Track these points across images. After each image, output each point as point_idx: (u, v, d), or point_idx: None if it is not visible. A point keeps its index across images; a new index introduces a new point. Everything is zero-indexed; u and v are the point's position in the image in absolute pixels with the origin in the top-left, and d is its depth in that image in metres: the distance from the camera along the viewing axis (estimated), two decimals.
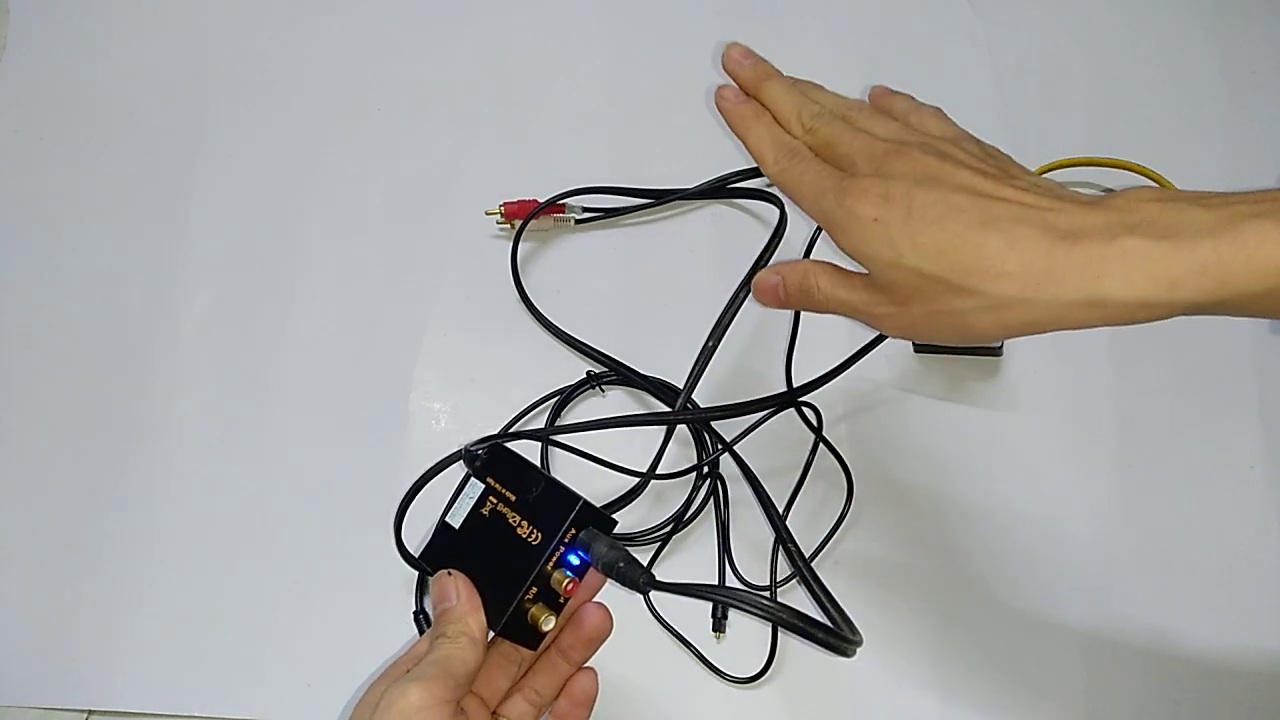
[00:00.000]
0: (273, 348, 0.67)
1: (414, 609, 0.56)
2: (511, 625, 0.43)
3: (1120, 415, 0.61)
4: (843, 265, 0.42)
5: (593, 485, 0.54)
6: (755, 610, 0.39)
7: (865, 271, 0.40)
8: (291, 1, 0.77)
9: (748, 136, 0.45)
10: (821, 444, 0.60)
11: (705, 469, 0.60)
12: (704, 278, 0.65)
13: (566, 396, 0.63)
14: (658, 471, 0.58)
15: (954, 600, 0.58)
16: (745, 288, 0.51)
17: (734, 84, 0.47)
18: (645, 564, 0.58)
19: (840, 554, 0.59)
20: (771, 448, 0.60)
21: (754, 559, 0.59)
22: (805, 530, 0.59)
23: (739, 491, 0.60)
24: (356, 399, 0.65)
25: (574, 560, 0.43)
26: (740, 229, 0.67)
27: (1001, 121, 0.68)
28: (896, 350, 0.62)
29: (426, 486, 0.45)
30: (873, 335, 0.51)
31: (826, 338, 0.55)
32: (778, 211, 0.57)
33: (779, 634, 0.57)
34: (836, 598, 0.53)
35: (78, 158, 0.73)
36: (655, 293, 0.66)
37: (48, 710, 0.59)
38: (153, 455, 0.65)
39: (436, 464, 0.45)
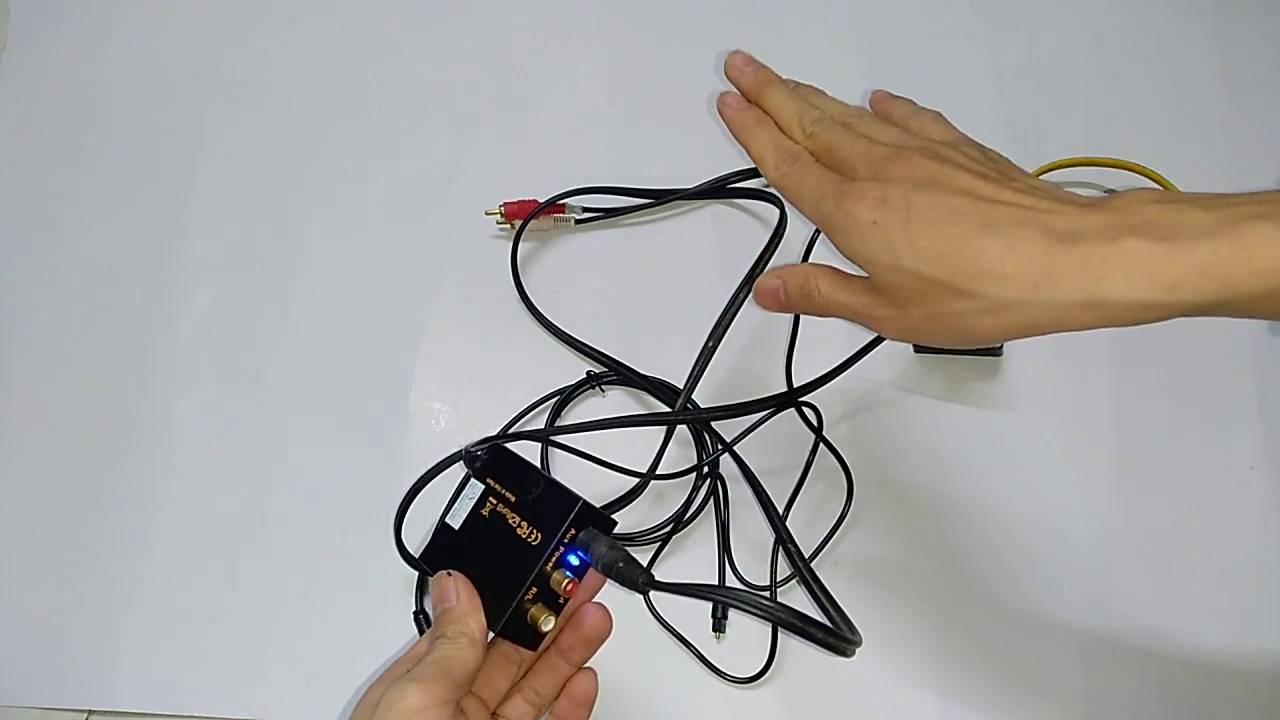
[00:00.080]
0: (273, 348, 0.67)
1: (414, 609, 0.56)
2: (511, 626, 0.43)
3: (1120, 415, 0.61)
4: (843, 269, 0.42)
5: (593, 485, 0.54)
6: (754, 610, 0.39)
7: (865, 275, 0.40)
8: (291, 1, 0.77)
9: (749, 142, 0.45)
10: (821, 444, 0.60)
11: (705, 469, 0.60)
12: (704, 278, 0.65)
13: (566, 397, 0.63)
14: (658, 472, 0.58)
15: (954, 600, 0.58)
16: (745, 288, 0.52)
17: (736, 90, 0.47)
18: (645, 564, 0.58)
19: (840, 554, 0.59)
20: (771, 448, 0.60)
21: (754, 559, 0.59)
22: (805, 530, 0.59)
23: (739, 491, 0.60)
24: (356, 399, 0.65)
25: (573, 560, 0.43)
26: (740, 229, 0.67)
27: (1001, 121, 0.68)
28: (896, 350, 0.62)
29: (426, 487, 0.45)
30: (873, 336, 0.51)
31: (826, 338, 0.55)
32: (778, 211, 0.57)
33: (779, 634, 0.57)
34: (836, 598, 0.53)
35: (78, 158, 0.73)
36: (655, 293, 0.66)
37: (48, 710, 0.59)
38: (153, 455, 0.65)
39: (436, 464, 0.45)
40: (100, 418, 0.66)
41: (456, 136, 0.71)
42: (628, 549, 0.43)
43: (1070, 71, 0.70)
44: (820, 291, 0.42)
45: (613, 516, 0.44)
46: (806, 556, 0.57)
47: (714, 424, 0.61)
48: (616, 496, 0.59)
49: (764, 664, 0.56)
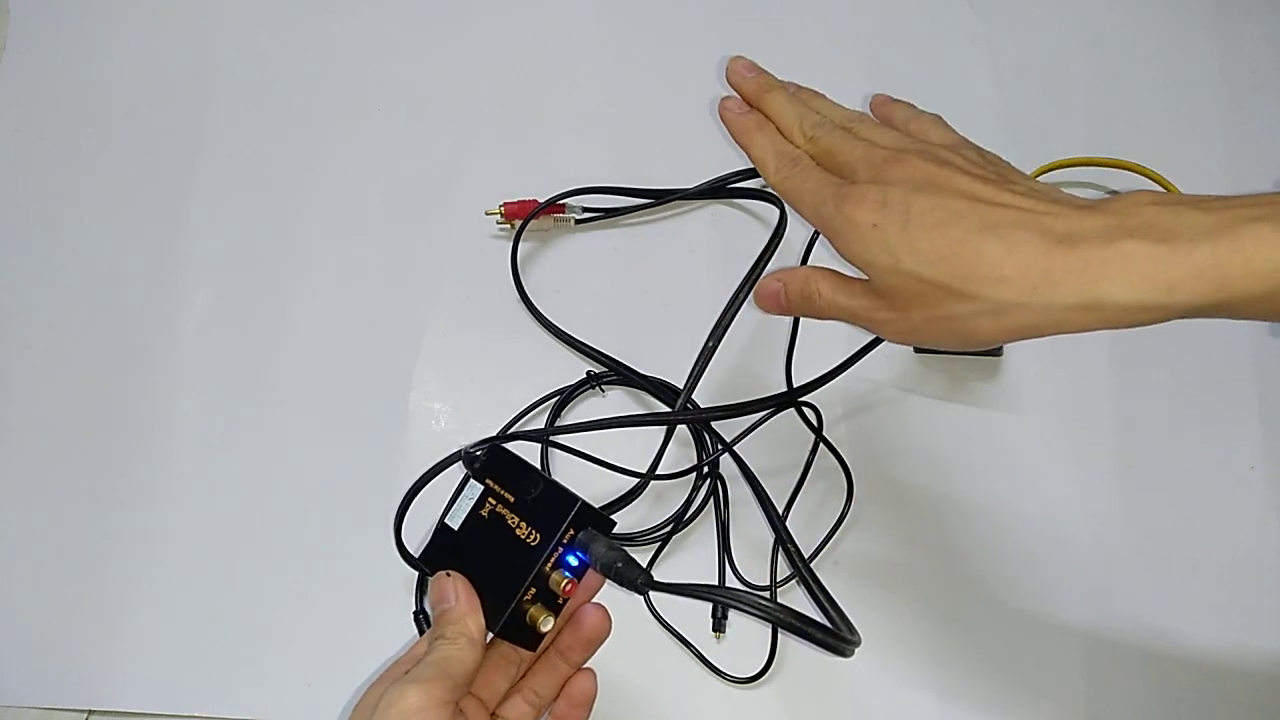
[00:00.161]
0: (273, 348, 0.67)
1: (414, 609, 0.56)
2: (510, 626, 0.43)
3: (1120, 415, 0.61)
4: (844, 271, 0.42)
5: (593, 486, 0.55)
6: (753, 610, 0.39)
7: (866, 278, 0.40)
8: (291, 1, 0.77)
9: (751, 146, 0.45)
10: (821, 444, 0.60)
11: (705, 469, 0.60)
12: (704, 278, 0.65)
13: (566, 397, 0.63)
14: (658, 472, 0.58)
15: (954, 600, 0.58)
16: (745, 288, 0.52)
17: (737, 95, 0.47)
18: (645, 564, 0.58)
19: (840, 554, 0.59)
20: (771, 448, 0.60)
21: (754, 559, 0.59)
22: (805, 530, 0.59)
23: (739, 491, 0.60)
24: (356, 399, 0.65)
25: (572, 561, 0.43)
26: (740, 229, 0.67)
27: (1001, 121, 0.68)
28: (896, 350, 0.62)
29: (426, 487, 0.45)
30: (873, 336, 0.51)
31: (826, 338, 0.55)
32: (778, 212, 0.57)
33: (779, 634, 0.57)
34: (836, 598, 0.53)
35: (78, 158, 0.73)
36: (655, 293, 0.66)
37: (48, 710, 0.60)
38: (153, 455, 0.65)
39: (436, 465, 0.45)
40: (100, 418, 0.66)
41: (456, 136, 0.71)
42: (627, 549, 0.43)
43: (1070, 71, 0.70)
44: (821, 294, 0.42)
45: (612, 517, 0.44)
46: (806, 556, 0.57)
47: (714, 424, 0.61)
48: (616, 496, 0.59)
49: (764, 664, 0.56)
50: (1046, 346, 0.50)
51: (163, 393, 0.66)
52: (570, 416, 0.64)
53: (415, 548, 0.46)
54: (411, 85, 0.73)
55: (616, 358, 0.63)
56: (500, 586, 0.43)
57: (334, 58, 0.75)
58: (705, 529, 0.60)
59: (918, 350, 0.63)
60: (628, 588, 0.42)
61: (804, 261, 0.55)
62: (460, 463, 0.46)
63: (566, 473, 0.59)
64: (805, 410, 0.60)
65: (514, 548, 0.43)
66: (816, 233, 0.56)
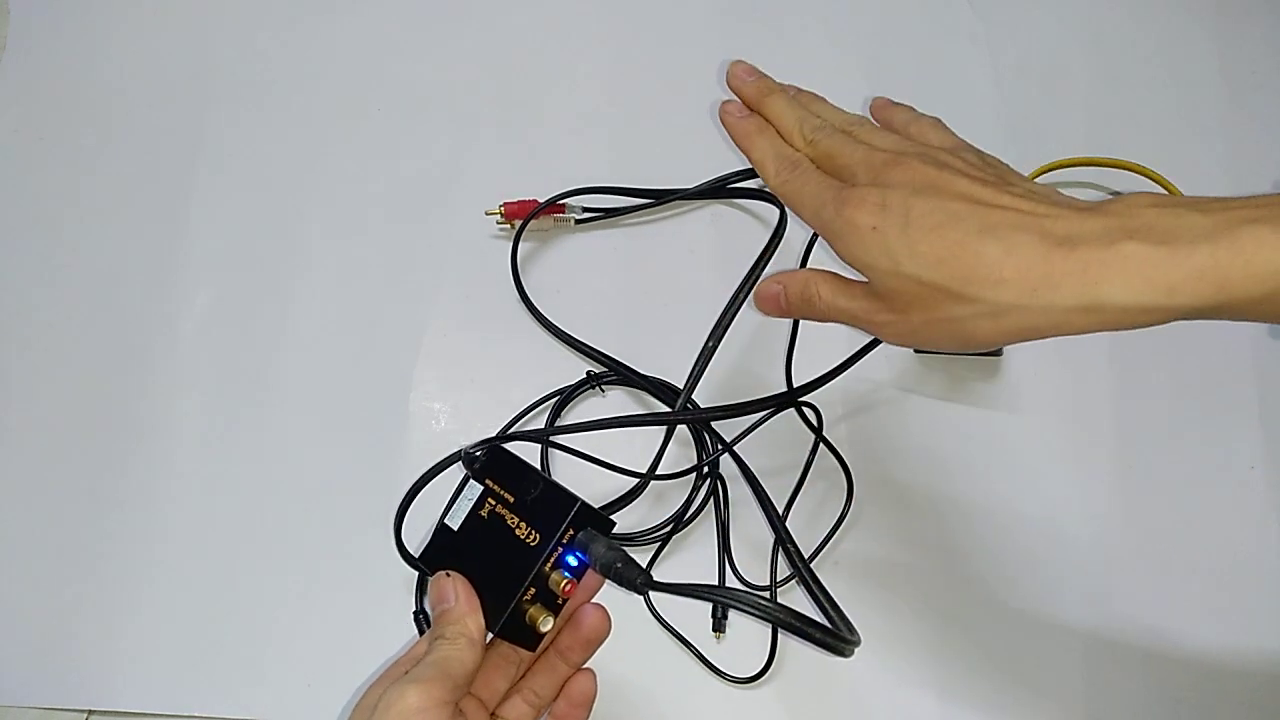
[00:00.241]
0: (273, 348, 0.67)
1: (414, 609, 0.56)
2: (510, 626, 0.43)
3: (1120, 416, 0.61)
4: (844, 274, 0.42)
5: (593, 486, 0.55)
6: (753, 610, 0.39)
7: (865, 280, 0.40)
8: (291, 1, 0.77)
9: (751, 150, 0.45)
10: (821, 444, 0.60)
11: (705, 469, 0.60)
12: (704, 278, 0.65)
13: (566, 397, 0.63)
14: (658, 472, 0.58)
15: (954, 600, 0.58)
16: (745, 288, 0.52)
17: (738, 99, 0.47)
18: (645, 564, 0.58)
19: (840, 554, 0.59)
20: (771, 448, 0.60)
21: (754, 559, 0.59)
22: (805, 530, 0.59)
23: (739, 491, 0.60)
24: (356, 399, 0.65)
25: (572, 561, 0.43)
26: (740, 229, 0.67)
27: (1001, 122, 0.68)
28: (896, 350, 0.62)
29: (426, 487, 0.45)
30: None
31: (826, 338, 0.55)
32: (778, 212, 0.57)
33: (779, 634, 0.57)
34: (836, 598, 0.53)
35: (78, 158, 0.73)
36: (655, 293, 0.66)
37: (48, 710, 0.60)
38: (153, 455, 0.65)
39: (436, 465, 0.45)
40: (100, 418, 0.66)
41: (456, 136, 0.71)
42: (627, 549, 0.43)
43: (1070, 71, 0.70)
44: (821, 297, 0.42)
45: (612, 517, 0.44)
46: (806, 556, 0.57)
47: (714, 424, 0.61)
48: (616, 497, 0.59)
49: (764, 664, 0.56)
50: (1047, 347, 0.49)
51: (163, 393, 0.66)
52: (570, 417, 0.64)
53: (415, 548, 0.46)
54: (411, 85, 0.73)
55: (616, 358, 0.63)
56: (500, 586, 0.43)
57: (334, 58, 0.75)
58: (705, 529, 0.60)
59: (918, 351, 0.63)
60: (627, 588, 0.42)
61: (803, 263, 0.55)
62: (460, 463, 0.46)
63: (566, 473, 0.59)
64: (805, 410, 0.60)
65: (514, 548, 0.43)
66: (815, 235, 0.56)
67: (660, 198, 0.67)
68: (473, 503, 0.45)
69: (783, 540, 0.58)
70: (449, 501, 0.46)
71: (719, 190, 0.66)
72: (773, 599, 0.57)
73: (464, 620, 0.42)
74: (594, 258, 0.68)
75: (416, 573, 0.47)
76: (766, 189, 0.63)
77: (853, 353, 0.51)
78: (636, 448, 0.58)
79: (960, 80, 0.70)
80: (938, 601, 0.58)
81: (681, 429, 0.61)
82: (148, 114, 0.74)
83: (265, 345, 0.67)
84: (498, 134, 0.71)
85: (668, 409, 0.62)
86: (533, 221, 0.66)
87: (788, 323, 0.58)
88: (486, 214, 0.67)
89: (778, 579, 0.58)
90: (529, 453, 0.51)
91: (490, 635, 0.43)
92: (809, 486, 0.60)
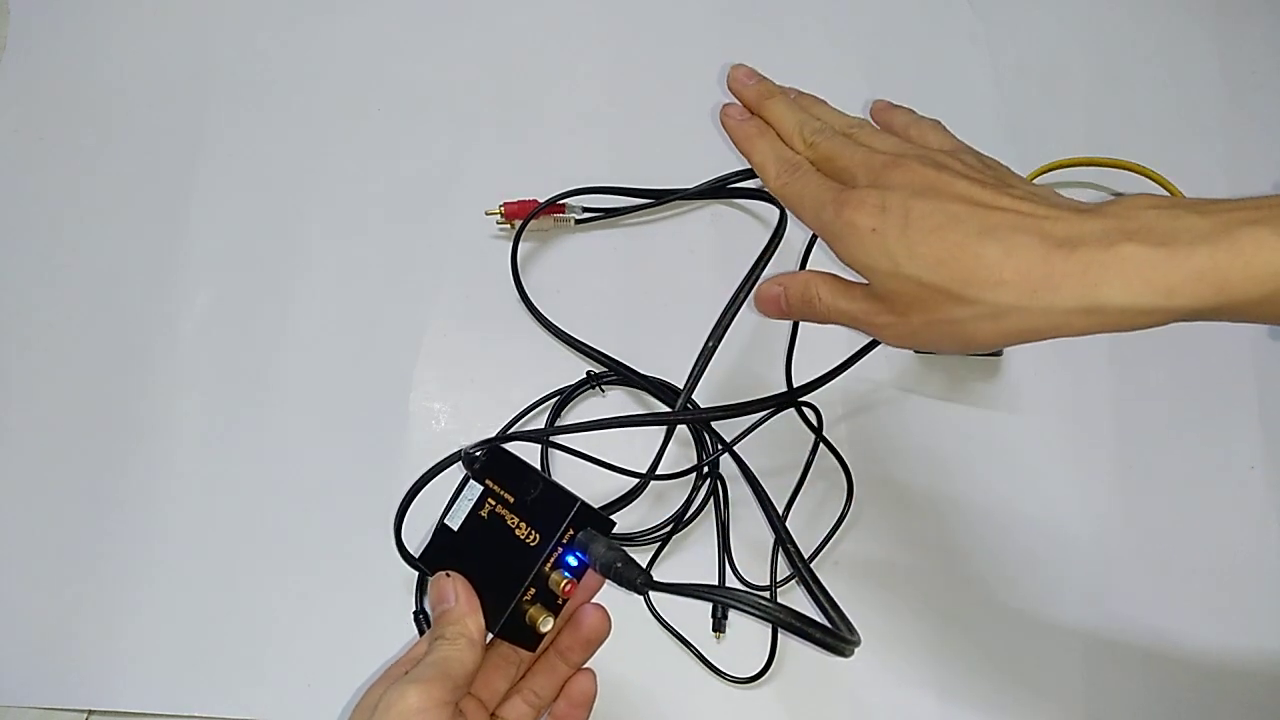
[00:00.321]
0: (273, 348, 0.67)
1: (414, 609, 0.56)
2: (510, 626, 0.43)
3: (1120, 416, 0.61)
4: (844, 276, 0.42)
5: (593, 486, 0.55)
6: (753, 610, 0.39)
7: (866, 282, 0.40)
8: (291, 1, 0.77)
9: (751, 152, 0.45)
10: (821, 444, 0.60)
11: (705, 469, 0.60)
12: (704, 278, 0.66)
13: (566, 397, 0.63)
14: (658, 472, 0.58)
15: (954, 600, 0.58)
16: (745, 288, 0.52)
17: (738, 102, 0.47)
18: (645, 564, 0.58)
19: (840, 554, 0.59)
20: (771, 448, 0.60)
21: (754, 559, 0.59)
22: (805, 530, 0.59)
23: (739, 491, 0.60)
24: (356, 399, 0.65)
25: (572, 561, 0.43)
26: (740, 229, 0.67)
27: (1001, 121, 0.68)
28: (896, 350, 0.62)
29: (426, 487, 0.45)
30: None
31: (826, 338, 0.55)
32: (777, 212, 0.57)
33: (779, 634, 0.57)
34: (836, 598, 0.53)
35: (78, 158, 0.73)
36: (655, 293, 0.66)
37: (48, 710, 0.60)
38: (153, 455, 0.65)
39: (436, 465, 0.45)
40: (100, 418, 0.66)
41: (456, 136, 0.71)
42: (627, 549, 0.43)
43: (1070, 71, 0.70)
44: (821, 299, 0.42)
45: (612, 517, 0.44)
46: (806, 557, 0.57)
47: (714, 424, 0.61)
48: (616, 497, 0.59)
49: (764, 664, 0.56)
50: (1047, 348, 0.49)
51: (163, 393, 0.66)
52: (570, 417, 0.64)
53: (415, 548, 0.46)
54: (411, 85, 0.73)
55: (616, 358, 0.63)
56: (500, 587, 0.43)
57: (334, 58, 0.75)
58: (705, 529, 0.60)
59: (918, 351, 0.63)
60: (627, 588, 0.42)
61: (803, 265, 0.55)
62: (460, 463, 0.46)
63: (566, 473, 0.59)
64: (805, 410, 0.60)
65: (513, 548, 0.43)
66: (814, 236, 0.56)
67: (660, 198, 0.67)
68: (473, 503, 0.45)
69: (783, 540, 0.58)
70: (449, 502, 0.46)
71: (719, 190, 0.66)
72: (773, 599, 0.57)
73: (464, 620, 0.42)
74: (594, 258, 0.68)
75: (416, 573, 0.47)
76: (765, 188, 0.64)
77: (853, 353, 0.51)
78: (636, 448, 0.58)
79: (960, 80, 0.70)
80: (938, 601, 0.58)
81: (681, 429, 0.62)
82: (148, 114, 0.74)
83: (265, 345, 0.67)
84: (498, 134, 0.71)
85: (668, 409, 0.62)
86: (533, 221, 0.66)
87: (787, 323, 0.58)
88: (486, 214, 0.67)
89: (778, 579, 0.58)
90: (529, 453, 0.51)
91: (490, 635, 0.43)
92: (809, 486, 0.60)
